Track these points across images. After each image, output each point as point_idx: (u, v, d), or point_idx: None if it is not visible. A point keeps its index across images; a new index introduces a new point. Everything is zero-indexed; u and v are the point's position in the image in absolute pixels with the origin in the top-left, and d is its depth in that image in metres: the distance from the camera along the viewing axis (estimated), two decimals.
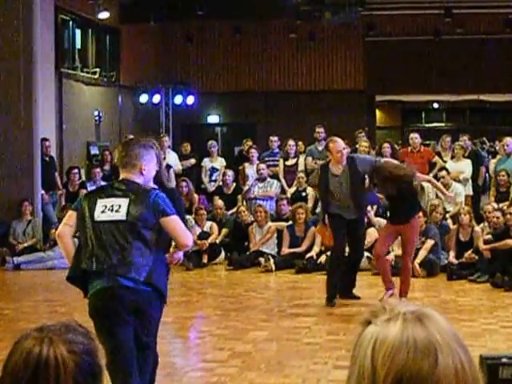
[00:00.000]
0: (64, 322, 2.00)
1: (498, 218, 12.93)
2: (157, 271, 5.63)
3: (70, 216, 5.88)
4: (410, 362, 1.56)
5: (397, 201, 10.43)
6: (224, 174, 16.51)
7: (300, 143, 17.25)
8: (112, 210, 5.66)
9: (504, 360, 2.61)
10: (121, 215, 5.62)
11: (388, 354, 1.57)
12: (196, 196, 15.93)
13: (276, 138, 17.05)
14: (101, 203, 5.68)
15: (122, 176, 5.87)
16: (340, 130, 18.11)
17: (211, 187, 17.06)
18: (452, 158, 15.88)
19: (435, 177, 15.23)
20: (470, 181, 15.57)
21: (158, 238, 5.67)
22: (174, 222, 5.66)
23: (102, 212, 5.66)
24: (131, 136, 17.50)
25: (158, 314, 5.83)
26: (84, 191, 15.89)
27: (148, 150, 5.97)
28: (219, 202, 15.63)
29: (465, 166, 15.53)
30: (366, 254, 13.60)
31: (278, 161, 16.52)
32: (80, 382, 1.90)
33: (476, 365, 1.62)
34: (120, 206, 5.65)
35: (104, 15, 18.58)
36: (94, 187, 16.12)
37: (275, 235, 14.71)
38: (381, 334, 1.60)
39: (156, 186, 6.01)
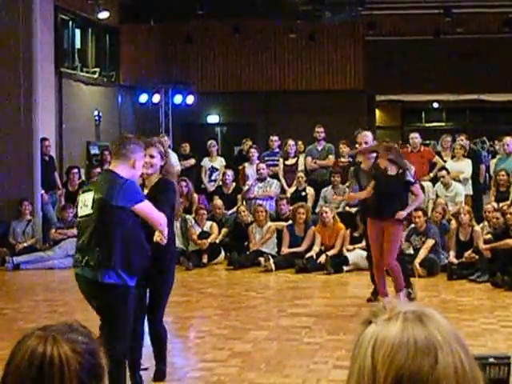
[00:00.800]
0: (66, 321, 1.99)
1: (497, 218, 12.93)
2: None
3: None
4: (410, 361, 1.55)
5: (386, 196, 10.03)
6: (224, 174, 16.52)
7: (300, 143, 17.25)
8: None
9: (491, 360, 2.61)
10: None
11: (388, 353, 1.57)
12: (196, 196, 15.93)
13: (276, 138, 17.06)
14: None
15: (110, 166, 6.33)
16: (340, 130, 18.16)
17: (211, 187, 17.06)
18: (452, 157, 15.88)
19: (435, 176, 15.25)
20: (470, 180, 15.56)
21: None
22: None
23: None
24: (130, 135, 17.50)
25: None
26: None
27: (142, 148, 6.37)
28: (218, 202, 15.63)
29: (465, 166, 15.52)
30: (366, 253, 13.61)
31: (278, 160, 16.53)
32: (84, 381, 1.89)
33: (476, 364, 1.61)
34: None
35: (104, 15, 18.56)
36: None
37: (275, 235, 14.71)
38: (381, 333, 1.60)
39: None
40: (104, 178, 6.36)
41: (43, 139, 15.84)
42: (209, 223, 15.02)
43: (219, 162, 17.38)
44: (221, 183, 16.73)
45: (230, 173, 16.41)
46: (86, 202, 6.10)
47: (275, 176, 16.20)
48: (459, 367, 1.57)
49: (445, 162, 15.72)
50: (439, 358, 1.56)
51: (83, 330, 1.98)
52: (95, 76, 19.48)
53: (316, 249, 14.11)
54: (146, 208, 6.13)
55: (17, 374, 1.91)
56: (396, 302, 1.66)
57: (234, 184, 16.35)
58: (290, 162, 16.37)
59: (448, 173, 14.88)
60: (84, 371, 1.89)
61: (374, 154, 10.55)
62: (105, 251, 6.00)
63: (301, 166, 16.31)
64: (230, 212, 15.77)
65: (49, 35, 16.83)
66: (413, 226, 13.52)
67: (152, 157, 6.91)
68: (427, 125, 25.37)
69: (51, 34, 17.08)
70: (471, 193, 15.57)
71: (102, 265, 6.00)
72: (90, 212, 6.05)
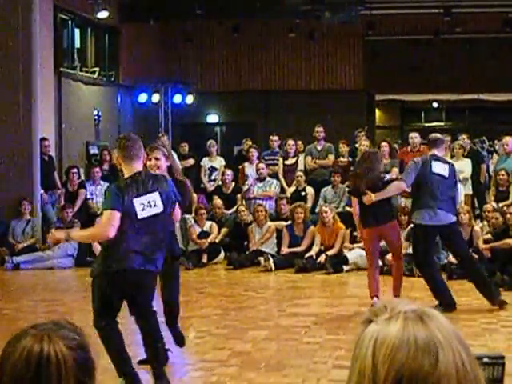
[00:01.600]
0: (53, 320, 1.99)
1: (497, 218, 12.91)
2: None
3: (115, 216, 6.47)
4: (410, 360, 1.55)
5: (373, 204, 10.04)
6: (223, 174, 16.50)
7: (300, 142, 17.24)
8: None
9: (485, 360, 2.59)
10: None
11: (389, 352, 1.56)
12: (195, 195, 15.91)
13: (276, 138, 17.04)
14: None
15: (137, 168, 6.63)
16: (339, 130, 18.16)
17: (210, 187, 17.04)
18: (451, 157, 15.86)
19: None
20: (470, 180, 15.55)
21: None
22: None
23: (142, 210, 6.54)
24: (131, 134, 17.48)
25: None
26: (83, 191, 15.92)
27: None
28: (218, 202, 15.62)
29: (464, 166, 15.50)
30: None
31: (278, 160, 16.51)
32: (79, 377, 1.90)
33: (477, 364, 1.60)
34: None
35: (103, 14, 18.55)
36: (93, 187, 16.16)
37: (275, 235, 14.70)
38: (381, 332, 1.59)
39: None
40: (154, 177, 6.75)
41: (43, 139, 15.83)
42: (208, 223, 15.01)
43: (218, 162, 17.37)
44: (220, 183, 16.72)
45: (229, 172, 16.40)
46: (153, 203, 6.55)
47: (275, 176, 16.18)
48: (460, 366, 1.56)
49: None
50: (440, 357, 1.55)
51: (71, 326, 1.99)
52: (95, 75, 19.46)
53: (316, 248, 14.10)
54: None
55: (13, 374, 1.90)
56: (397, 302, 1.65)
57: (233, 184, 16.34)
58: (290, 161, 16.35)
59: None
60: (78, 366, 1.90)
61: None
62: (168, 244, 7.00)
63: (300, 166, 16.30)
64: (230, 212, 15.77)
65: (48, 35, 16.80)
66: (412, 225, 13.48)
67: (157, 159, 7.47)
68: (427, 124, 25.38)
69: (50, 33, 17.06)
70: (471, 192, 15.56)
71: (167, 255, 6.94)
72: (160, 211, 6.58)
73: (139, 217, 6.49)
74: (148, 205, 6.53)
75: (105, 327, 6.68)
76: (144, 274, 6.58)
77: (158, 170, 7.34)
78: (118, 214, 6.40)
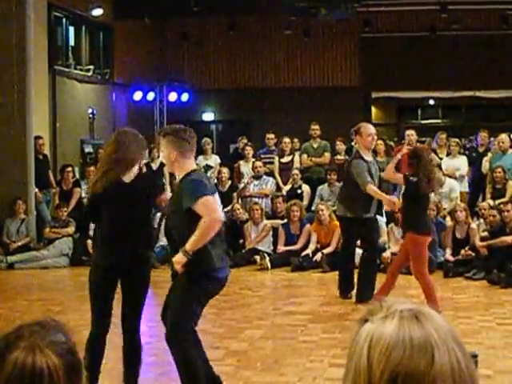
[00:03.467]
0: (39, 321, 1.95)
1: (494, 216, 12.88)
2: None
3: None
4: (405, 359, 1.53)
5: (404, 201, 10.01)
6: (219, 172, 16.45)
7: (296, 140, 17.20)
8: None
9: None
10: None
11: (384, 351, 1.55)
12: None
13: (273, 136, 17.00)
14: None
15: (194, 165, 6.38)
16: (336, 127, 18.11)
17: None
18: (448, 154, 15.84)
19: None
20: (466, 177, 15.53)
21: None
22: None
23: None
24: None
25: None
26: (78, 190, 15.86)
27: None
28: None
29: (461, 163, 15.48)
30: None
31: (274, 158, 16.48)
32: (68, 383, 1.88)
33: (473, 363, 1.59)
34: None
35: (97, 12, 18.50)
36: (87, 186, 16.09)
37: (271, 233, 14.67)
38: (377, 331, 1.58)
39: None
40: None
41: (37, 137, 15.78)
42: None
43: (214, 160, 17.32)
44: (216, 181, 16.66)
45: (225, 170, 16.35)
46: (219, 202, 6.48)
47: (271, 174, 16.14)
48: (456, 366, 1.55)
49: (440, 159, 15.68)
50: (436, 356, 1.54)
51: (57, 326, 1.95)
52: (89, 74, 19.41)
53: (312, 247, 14.07)
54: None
55: None
56: (393, 301, 1.64)
57: (229, 182, 16.30)
58: (286, 159, 16.32)
59: (440, 169, 14.81)
60: (68, 374, 1.88)
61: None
62: None
63: (296, 164, 16.26)
64: (226, 210, 15.71)
65: (42, 32, 16.76)
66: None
67: None
68: (423, 122, 25.30)
69: (45, 31, 17.02)
70: (467, 190, 15.53)
71: None
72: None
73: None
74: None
75: (192, 334, 6.22)
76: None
77: None
78: (212, 198, 6.08)
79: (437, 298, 9.72)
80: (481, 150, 16.20)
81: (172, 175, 6.64)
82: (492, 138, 16.45)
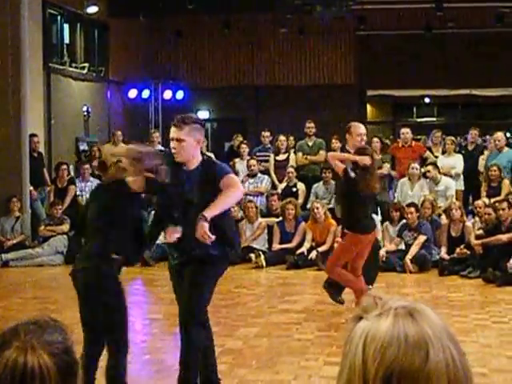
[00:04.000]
0: (37, 318, 1.94)
1: (489, 214, 12.88)
2: None
3: None
4: (400, 357, 1.53)
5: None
6: None
7: (291, 138, 17.19)
8: None
9: None
10: None
11: (379, 348, 1.55)
12: None
13: (268, 134, 16.98)
14: None
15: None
16: (331, 125, 18.09)
17: None
18: (443, 152, 15.84)
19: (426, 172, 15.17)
20: (462, 176, 15.52)
21: None
22: None
23: None
24: (119, 132, 17.40)
25: None
26: (73, 187, 15.83)
27: None
28: None
29: (456, 161, 15.48)
30: None
31: (270, 156, 16.46)
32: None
33: (467, 361, 1.59)
34: None
35: (92, 9, 18.47)
36: (83, 184, 16.06)
37: (266, 231, 14.65)
38: (372, 329, 1.58)
39: None
40: None
41: (32, 135, 15.74)
42: None
43: None
44: None
45: None
46: None
47: (267, 172, 16.12)
48: (451, 363, 1.55)
49: (436, 157, 15.68)
50: (430, 353, 1.54)
51: (55, 325, 1.94)
52: (84, 71, 19.38)
53: (307, 245, 14.05)
54: None
55: None
56: (387, 298, 1.63)
57: None
58: (281, 157, 16.30)
59: (436, 167, 14.80)
60: (61, 375, 1.87)
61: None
62: None
63: (291, 162, 16.24)
64: None
65: (37, 30, 16.72)
66: (405, 221, 13.47)
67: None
68: (418, 120, 25.31)
69: (39, 28, 16.98)
70: (463, 188, 15.52)
71: None
72: None
73: None
74: None
75: (207, 323, 6.39)
76: None
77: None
78: None
79: (357, 283, 9.54)
80: (470, 147, 16.21)
81: None
82: (488, 137, 16.46)
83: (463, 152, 16.19)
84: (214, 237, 5.92)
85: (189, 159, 6.28)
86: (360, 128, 10.31)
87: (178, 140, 6.19)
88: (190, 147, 6.18)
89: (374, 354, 1.55)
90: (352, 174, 9.33)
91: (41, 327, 1.91)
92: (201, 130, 6.35)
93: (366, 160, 9.40)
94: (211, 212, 5.92)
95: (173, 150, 6.24)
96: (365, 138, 10.37)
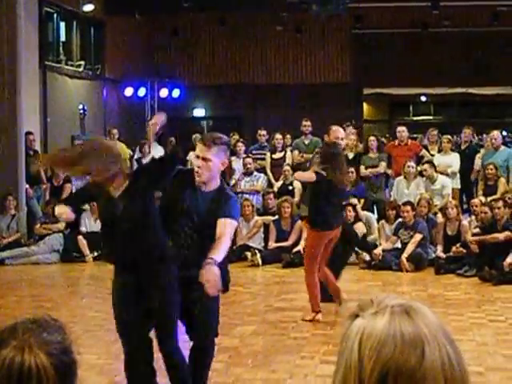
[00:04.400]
0: (36, 318, 1.92)
1: (485, 212, 12.87)
2: None
3: None
4: (396, 355, 1.54)
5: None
6: None
7: (288, 137, 17.16)
8: None
9: None
10: None
11: (375, 347, 1.55)
12: None
13: (265, 132, 16.96)
14: None
15: None
16: (327, 123, 18.00)
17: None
18: (439, 151, 15.83)
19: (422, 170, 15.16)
20: (458, 174, 15.52)
21: None
22: None
23: None
24: (115, 130, 17.36)
25: None
26: (68, 185, 15.80)
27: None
28: None
29: (452, 160, 15.47)
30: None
31: (266, 154, 16.44)
32: None
33: (463, 360, 1.59)
34: None
35: (89, 8, 18.45)
36: (78, 182, 16.02)
37: (262, 229, 14.63)
38: (368, 327, 1.58)
39: None
40: None
41: (28, 133, 15.71)
42: None
43: None
44: None
45: None
46: None
47: (263, 170, 16.10)
48: (446, 362, 1.55)
49: (432, 155, 15.67)
50: (426, 352, 1.54)
51: (55, 324, 1.93)
52: (80, 69, 19.35)
53: (303, 243, 14.00)
54: None
55: None
56: (384, 296, 1.63)
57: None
58: (277, 155, 16.28)
59: (433, 166, 14.79)
60: (59, 375, 1.86)
61: None
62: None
63: (288, 160, 16.22)
64: None
65: (33, 28, 16.68)
66: (401, 220, 13.46)
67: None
68: (415, 118, 25.35)
69: (35, 26, 16.94)
70: (459, 186, 15.52)
71: None
72: None
73: None
74: None
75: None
76: None
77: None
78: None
79: (317, 299, 9.47)
80: (463, 146, 16.20)
81: None
82: (484, 135, 16.45)
83: (457, 150, 16.19)
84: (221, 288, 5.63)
85: (210, 180, 5.99)
86: (339, 132, 10.41)
87: (205, 159, 5.89)
88: (215, 168, 5.93)
89: (369, 352, 1.55)
90: (324, 173, 9.31)
91: (40, 326, 1.90)
92: (227, 152, 6.10)
93: (306, 176, 9.70)
94: (219, 256, 5.55)
95: (196, 169, 5.94)
96: (342, 142, 10.39)
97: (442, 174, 14.92)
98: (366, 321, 1.59)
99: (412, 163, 14.77)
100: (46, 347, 1.86)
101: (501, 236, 12.34)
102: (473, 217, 13.76)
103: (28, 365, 1.83)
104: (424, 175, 14.72)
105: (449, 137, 16.10)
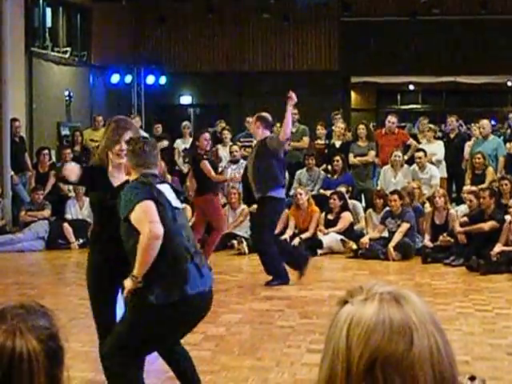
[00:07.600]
0: (24, 304, 1.91)
1: (471, 201, 12.88)
2: None
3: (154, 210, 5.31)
4: (385, 342, 1.54)
5: None
6: None
7: (278, 125, 17.10)
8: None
9: None
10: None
11: (363, 334, 1.55)
12: (169, 177, 15.75)
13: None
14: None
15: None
16: (314, 112, 18.05)
17: (185, 169, 16.88)
18: (424, 140, 15.84)
19: (412, 158, 15.13)
20: (444, 162, 15.52)
21: None
22: None
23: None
24: (100, 117, 17.26)
25: None
26: (54, 173, 15.71)
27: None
28: (192, 184, 15.44)
29: (437, 148, 15.47)
30: (340, 237, 13.52)
31: (253, 142, 16.39)
32: (50, 370, 1.85)
33: (451, 348, 1.58)
34: None
35: None
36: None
37: (248, 218, 14.58)
38: (357, 313, 1.57)
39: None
40: None
41: (13, 120, 15.64)
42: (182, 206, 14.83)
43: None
44: None
45: None
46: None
47: None
48: (435, 350, 1.55)
49: (420, 143, 15.67)
50: (414, 339, 1.54)
51: (42, 310, 1.92)
52: (66, 56, 19.24)
53: (290, 232, 14.00)
54: None
55: None
56: (373, 283, 1.62)
57: None
58: None
59: (425, 155, 14.79)
60: (49, 360, 1.86)
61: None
62: None
63: None
64: None
65: (19, 14, 16.60)
66: (388, 209, 13.43)
67: None
68: (403, 107, 25.33)
69: (21, 12, 16.85)
70: (445, 175, 15.52)
71: None
72: None
73: None
74: None
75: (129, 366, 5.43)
76: None
77: None
78: None
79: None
80: (452, 135, 16.14)
81: None
82: (473, 124, 16.44)
83: (445, 140, 16.17)
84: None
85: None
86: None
87: None
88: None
89: (358, 339, 1.54)
90: None
91: (28, 312, 1.89)
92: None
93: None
94: (140, 271, 5.24)
95: None
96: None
97: (431, 163, 14.96)
98: (355, 307, 1.58)
99: (399, 153, 14.76)
100: (35, 332, 1.85)
101: (486, 226, 12.33)
102: (462, 206, 13.77)
103: (19, 349, 1.82)
104: (417, 163, 14.72)
105: (431, 125, 16.10)
